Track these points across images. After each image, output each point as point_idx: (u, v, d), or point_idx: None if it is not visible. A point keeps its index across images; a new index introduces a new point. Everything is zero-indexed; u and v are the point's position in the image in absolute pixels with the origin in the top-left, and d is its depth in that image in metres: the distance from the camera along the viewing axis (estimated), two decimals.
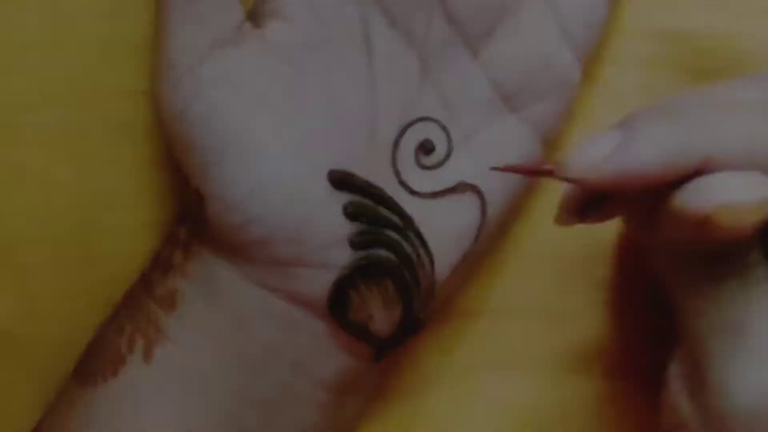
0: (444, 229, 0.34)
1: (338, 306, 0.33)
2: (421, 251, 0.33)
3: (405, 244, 0.33)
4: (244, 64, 0.33)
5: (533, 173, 0.31)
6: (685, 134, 0.27)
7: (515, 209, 0.36)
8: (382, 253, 0.33)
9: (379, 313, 0.33)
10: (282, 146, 0.32)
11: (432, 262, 0.33)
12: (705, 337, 0.28)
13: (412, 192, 0.34)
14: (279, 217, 0.32)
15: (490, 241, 0.36)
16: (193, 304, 0.33)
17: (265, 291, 0.33)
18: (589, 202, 0.31)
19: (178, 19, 0.33)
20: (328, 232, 0.32)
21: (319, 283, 0.32)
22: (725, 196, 0.26)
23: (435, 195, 0.34)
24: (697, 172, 0.27)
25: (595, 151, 0.27)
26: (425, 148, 0.34)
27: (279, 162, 0.32)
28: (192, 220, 0.34)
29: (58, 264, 0.37)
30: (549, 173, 0.29)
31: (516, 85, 0.34)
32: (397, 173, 0.33)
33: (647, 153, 0.27)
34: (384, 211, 0.33)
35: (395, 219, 0.33)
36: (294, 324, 0.33)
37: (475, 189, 0.34)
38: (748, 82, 0.29)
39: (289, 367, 0.33)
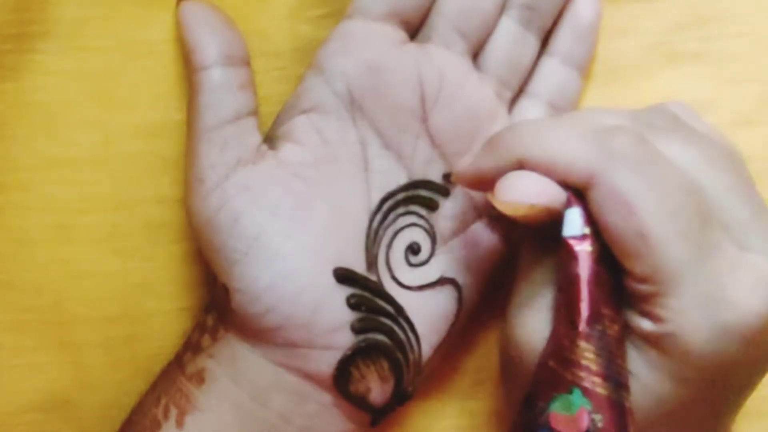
0: (428, 315, 0.37)
1: (342, 381, 0.36)
2: (410, 335, 0.36)
3: (397, 329, 0.36)
4: (262, 179, 0.35)
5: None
6: (508, 141, 0.32)
7: (485, 297, 0.38)
8: (379, 337, 0.36)
9: (376, 387, 0.36)
10: (294, 248, 0.35)
11: (419, 343, 0.36)
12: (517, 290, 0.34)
13: (403, 285, 0.37)
14: (292, 306, 0.34)
15: (465, 324, 0.38)
16: (218, 380, 0.36)
17: (280, 368, 0.35)
18: None
19: (207, 142, 0.35)
20: (333, 319, 0.35)
21: (326, 362, 0.35)
22: (500, 196, 0.31)
23: (421, 288, 0.37)
24: (520, 167, 0.32)
25: (464, 161, 0.34)
26: (413, 249, 0.37)
27: (291, 261, 0.35)
28: (218, 309, 0.37)
29: (107, 342, 0.39)
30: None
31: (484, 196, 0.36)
32: (390, 270, 0.36)
33: (484, 161, 0.32)
34: (380, 302, 0.36)
35: (389, 308, 0.36)
36: (304, 395, 0.36)
37: (453, 282, 0.37)
38: (618, 112, 0.33)
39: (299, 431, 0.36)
